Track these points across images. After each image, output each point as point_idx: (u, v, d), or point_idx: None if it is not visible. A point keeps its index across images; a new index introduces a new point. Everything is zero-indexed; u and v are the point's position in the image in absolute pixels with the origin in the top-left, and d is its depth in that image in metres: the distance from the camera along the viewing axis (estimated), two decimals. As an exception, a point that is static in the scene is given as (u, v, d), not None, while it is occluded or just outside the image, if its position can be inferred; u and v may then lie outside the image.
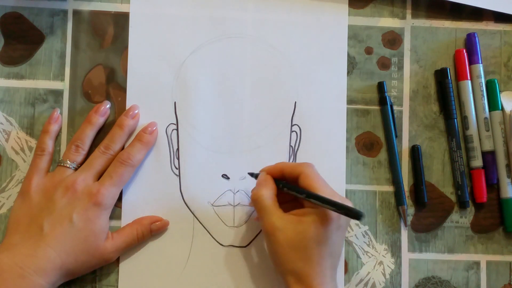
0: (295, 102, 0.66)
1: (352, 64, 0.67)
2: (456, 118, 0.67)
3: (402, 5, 0.68)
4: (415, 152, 0.66)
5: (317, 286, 0.54)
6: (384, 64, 0.67)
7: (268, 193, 0.58)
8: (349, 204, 0.56)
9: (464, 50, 0.67)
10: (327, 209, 0.54)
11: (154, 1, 0.66)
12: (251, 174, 0.62)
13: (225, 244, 0.64)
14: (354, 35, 0.67)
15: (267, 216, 0.56)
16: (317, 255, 0.55)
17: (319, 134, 0.65)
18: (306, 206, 0.57)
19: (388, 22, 0.68)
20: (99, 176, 0.61)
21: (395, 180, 0.65)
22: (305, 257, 0.55)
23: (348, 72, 0.66)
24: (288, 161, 0.65)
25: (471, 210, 0.67)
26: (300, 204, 0.58)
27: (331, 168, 0.65)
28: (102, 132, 0.63)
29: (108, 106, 0.64)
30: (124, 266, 0.63)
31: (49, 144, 0.62)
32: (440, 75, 0.67)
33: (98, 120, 0.62)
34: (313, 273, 0.54)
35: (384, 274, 0.65)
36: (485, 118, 0.66)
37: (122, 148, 0.63)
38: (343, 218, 0.56)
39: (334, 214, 0.55)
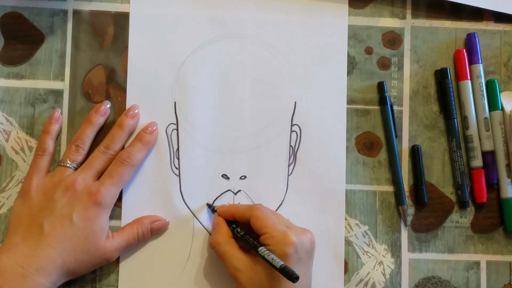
0: (295, 102, 0.66)
1: (352, 64, 0.67)
2: (456, 118, 0.67)
3: (402, 5, 0.68)
4: (415, 152, 0.66)
5: None
6: (384, 64, 0.67)
7: (223, 238, 0.59)
8: (305, 235, 0.57)
9: (464, 50, 0.67)
10: (283, 244, 0.55)
11: (154, 1, 0.66)
12: (209, 206, 0.63)
13: (225, 244, 0.64)
14: (354, 35, 0.67)
15: (228, 261, 0.58)
16: None
17: (319, 134, 0.65)
18: (263, 243, 0.57)
19: (388, 22, 0.68)
20: (99, 175, 0.61)
21: (395, 180, 0.65)
22: None
23: (348, 72, 0.67)
24: (288, 161, 0.65)
25: (471, 210, 0.67)
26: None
27: (331, 168, 0.65)
28: (102, 132, 0.63)
29: (108, 106, 0.64)
30: (124, 266, 0.63)
31: (50, 144, 0.62)
32: (440, 75, 0.67)
33: (98, 120, 0.62)
34: None
35: (384, 274, 0.65)
36: (485, 118, 0.66)
37: (122, 148, 0.63)
38: (302, 249, 0.56)
39: (291, 249, 0.55)
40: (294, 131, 0.65)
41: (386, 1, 0.68)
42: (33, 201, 0.59)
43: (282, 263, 0.53)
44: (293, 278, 0.52)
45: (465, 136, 0.67)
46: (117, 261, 0.62)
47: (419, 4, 0.68)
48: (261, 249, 0.56)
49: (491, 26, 0.68)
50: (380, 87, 0.66)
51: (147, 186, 0.64)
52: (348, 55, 0.67)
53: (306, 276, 0.57)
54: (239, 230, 0.59)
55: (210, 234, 0.64)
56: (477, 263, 0.66)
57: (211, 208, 0.63)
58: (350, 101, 0.66)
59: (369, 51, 0.67)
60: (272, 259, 0.54)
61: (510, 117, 0.65)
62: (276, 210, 0.64)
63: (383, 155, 0.66)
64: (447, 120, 0.67)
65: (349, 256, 0.65)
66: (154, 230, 0.62)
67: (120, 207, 0.63)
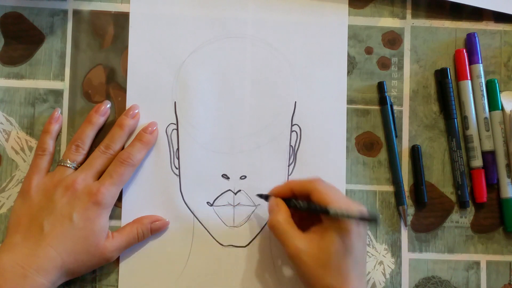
0: (295, 102, 0.66)
1: (352, 64, 0.67)
2: (456, 118, 0.67)
3: (402, 5, 0.68)
4: (415, 152, 0.66)
5: None
6: (384, 64, 0.67)
7: (283, 217, 0.58)
8: (364, 210, 0.56)
9: (464, 50, 0.67)
10: (345, 220, 0.55)
11: (154, 1, 0.66)
12: (260, 196, 0.62)
13: (225, 244, 0.64)
14: (354, 35, 0.67)
15: (289, 240, 0.57)
16: (344, 267, 0.55)
17: (319, 134, 0.65)
18: (324, 220, 0.57)
19: (388, 22, 0.68)
20: (99, 175, 0.61)
21: (395, 180, 0.65)
22: (334, 271, 0.55)
23: (348, 72, 0.67)
24: (288, 161, 0.65)
25: (471, 210, 0.67)
26: (318, 218, 0.58)
27: (331, 168, 0.65)
28: (102, 132, 0.63)
29: (108, 106, 0.64)
30: (124, 266, 0.63)
31: (50, 144, 0.62)
32: (440, 75, 0.67)
33: (99, 120, 0.63)
34: (344, 285, 0.55)
35: (384, 274, 0.65)
36: (485, 118, 0.66)
37: (122, 148, 0.63)
38: (362, 225, 0.56)
39: (353, 224, 0.55)
40: (294, 131, 0.65)
41: (386, 1, 0.68)
42: (33, 201, 0.59)
43: (358, 211, 0.55)
44: (376, 219, 0.55)
45: (465, 136, 0.67)
46: (117, 261, 0.62)
47: (419, 4, 0.68)
48: (331, 208, 0.55)
49: (491, 26, 0.68)
50: (380, 87, 0.66)
51: (147, 186, 0.64)
52: (348, 55, 0.67)
53: (363, 253, 0.57)
54: (300, 202, 0.58)
55: (210, 233, 0.64)
56: (477, 263, 0.66)
57: (263, 197, 0.62)
58: (350, 101, 0.66)
59: (369, 51, 0.67)
60: (347, 212, 0.54)
61: (510, 117, 0.65)
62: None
63: (383, 155, 0.66)
64: (447, 120, 0.67)
65: (349, 256, 0.65)
66: (154, 230, 0.62)
67: (120, 207, 0.63)
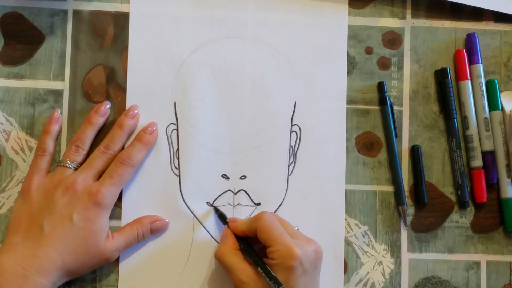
0: (295, 102, 0.66)
1: (352, 64, 0.67)
2: (456, 118, 0.67)
3: (402, 5, 0.68)
4: (415, 152, 0.66)
5: None
6: (384, 64, 0.67)
7: (229, 249, 0.59)
8: (310, 246, 0.57)
9: (464, 50, 0.67)
10: (287, 258, 0.55)
11: (154, 1, 0.66)
12: (220, 216, 0.63)
13: (225, 244, 0.64)
14: (354, 35, 0.67)
15: (232, 273, 0.58)
16: None
17: (319, 134, 0.65)
18: (269, 256, 0.57)
19: (388, 22, 0.68)
20: (99, 176, 0.61)
21: (395, 180, 0.65)
22: None
23: (348, 72, 0.66)
24: (288, 161, 0.65)
25: (471, 210, 0.67)
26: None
27: (331, 168, 0.65)
28: (102, 132, 0.63)
29: (108, 106, 0.64)
30: (124, 266, 0.63)
31: (50, 144, 0.62)
32: (440, 75, 0.67)
33: (98, 120, 0.63)
34: None
35: (383, 274, 0.65)
36: (485, 118, 0.66)
37: (122, 148, 0.63)
38: (307, 262, 0.56)
39: (295, 262, 0.55)
40: (294, 131, 0.65)
41: (386, 1, 0.68)
42: (33, 201, 0.59)
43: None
44: None
45: (465, 136, 0.67)
46: (117, 261, 0.62)
47: (419, 4, 0.68)
48: (259, 269, 0.56)
49: (491, 26, 0.68)
50: (380, 87, 0.66)
51: (147, 186, 0.64)
52: (348, 55, 0.67)
53: (313, 285, 0.57)
54: (244, 244, 0.59)
55: (210, 233, 0.64)
56: (477, 263, 0.66)
57: (223, 219, 0.63)
58: (350, 101, 0.66)
59: (369, 51, 0.67)
60: (270, 280, 0.55)
61: (510, 117, 0.65)
62: (276, 210, 0.64)
63: (383, 155, 0.66)
64: (447, 120, 0.67)
65: (348, 256, 0.65)
66: (154, 230, 0.62)
67: (120, 207, 0.63)
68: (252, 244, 0.60)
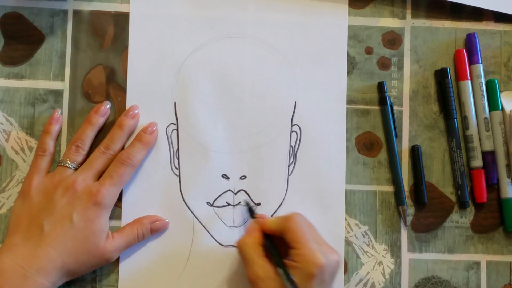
0: (295, 102, 0.66)
1: (352, 64, 0.67)
2: (456, 118, 0.67)
3: (402, 5, 0.68)
4: (415, 152, 0.66)
5: None
6: (384, 64, 0.67)
7: (252, 241, 0.58)
8: (333, 256, 0.56)
9: (464, 50, 0.67)
10: (311, 264, 0.54)
11: (154, 1, 0.66)
12: (249, 209, 0.62)
13: (225, 244, 0.64)
14: (354, 35, 0.67)
15: (249, 265, 0.57)
16: None
17: (319, 134, 0.65)
18: (291, 258, 0.56)
19: (388, 22, 0.68)
20: (99, 176, 0.61)
21: (395, 180, 0.65)
22: None
23: (348, 72, 0.67)
24: (288, 161, 0.65)
25: (471, 210, 0.67)
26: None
27: (331, 168, 0.65)
28: (102, 132, 0.63)
29: (108, 106, 0.64)
30: (124, 266, 0.63)
31: (50, 144, 0.62)
32: (440, 75, 0.67)
33: (98, 120, 0.63)
34: None
35: (383, 274, 0.65)
36: (485, 118, 0.66)
37: (122, 148, 0.63)
38: (327, 272, 0.55)
39: (317, 271, 0.54)
40: (294, 131, 0.65)
41: (386, 1, 0.68)
42: (33, 201, 0.59)
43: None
44: None
45: (465, 136, 0.67)
46: (117, 261, 0.62)
47: (419, 4, 0.68)
48: (279, 269, 0.55)
49: (491, 26, 0.68)
50: (380, 87, 0.66)
51: (147, 186, 0.64)
52: (348, 55, 0.67)
53: None
54: (269, 242, 0.59)
55: (210, 233, 0.64)
56: (477, 263, 0.66)
57: (252, 212, 0.62)
58: (350, 101, 0.66)
59: (369, 51, 0.67)
60: (288, 276, 0.54)
61: (510, 117, 0.65)
62: (276, 210, 0.64)
63: (383, 155, 0.66)
64: (447, 120, 0.67)
65: (348, 256, 0.65)
66: (154, 230, 0.62)
67: (120, 207, 0.63)
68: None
